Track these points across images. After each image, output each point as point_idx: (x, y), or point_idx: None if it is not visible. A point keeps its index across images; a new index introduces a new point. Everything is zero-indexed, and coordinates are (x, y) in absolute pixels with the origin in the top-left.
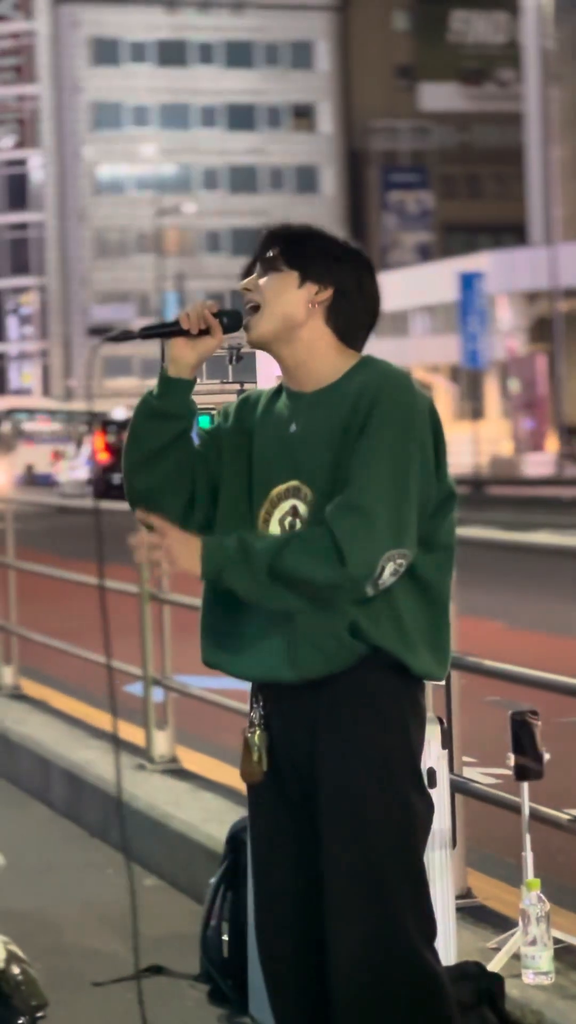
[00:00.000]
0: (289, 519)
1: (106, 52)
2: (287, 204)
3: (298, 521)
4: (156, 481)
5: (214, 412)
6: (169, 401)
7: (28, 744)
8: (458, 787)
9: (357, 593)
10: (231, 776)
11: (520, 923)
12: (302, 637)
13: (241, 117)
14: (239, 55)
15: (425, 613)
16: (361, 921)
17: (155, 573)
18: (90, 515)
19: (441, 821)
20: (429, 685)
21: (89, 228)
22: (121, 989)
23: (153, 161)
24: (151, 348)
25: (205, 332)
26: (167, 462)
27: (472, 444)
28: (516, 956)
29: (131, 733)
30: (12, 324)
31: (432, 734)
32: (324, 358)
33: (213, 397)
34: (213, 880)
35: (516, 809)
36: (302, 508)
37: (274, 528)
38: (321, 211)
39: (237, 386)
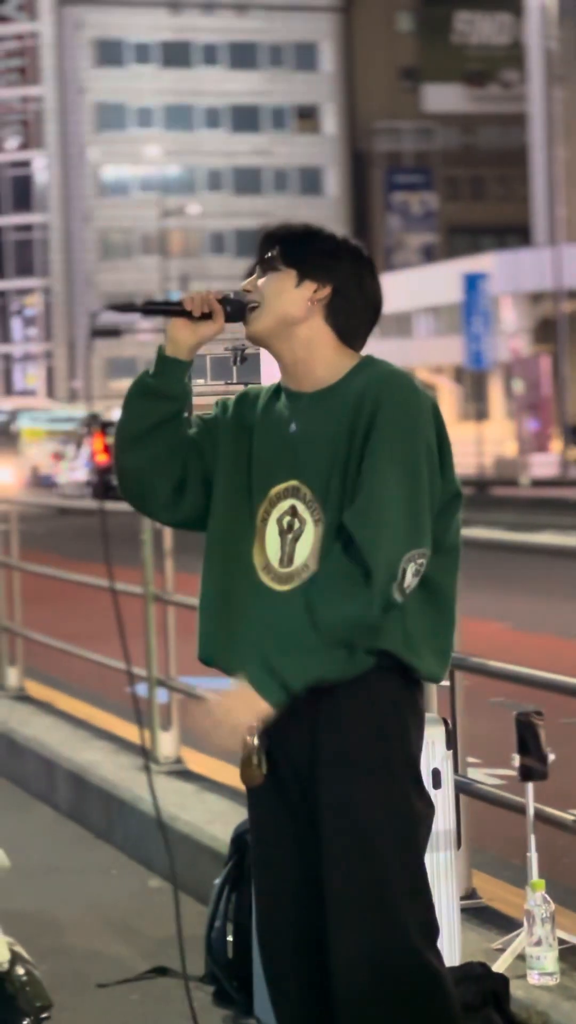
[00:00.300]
0: (287, 518)
1: (110, 53)
2: (291, 205)
3: (296, 521)
4: (145, 461)
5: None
6: (163, 381)
7: (33, 746)
8: (463, 788)
9: (387, 600)
10: (236, 777)
11: (525, 924)
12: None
13: (245, 118)
14: (243, 56)
15: (430, 615)
16: (362, 923)
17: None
18: (92, 516)
19: (446, 822)
20: (432, 686)
21: (93, 229)
22: (125, 990)
23: (157, 162)
24: (154, 351)
25: (207, 317)
26: (157, 443)
27: (476, 445)
28: (521, 957)
29: (136, 734)
30: (16, 325)
31: (437, 735)
32: (323, 356)
33: (217, 398)
34: (218, 881)
35: (521, 810)
36: (301, 508)
37: (272, 527)
38: (325, 212)
39: (241, 387)
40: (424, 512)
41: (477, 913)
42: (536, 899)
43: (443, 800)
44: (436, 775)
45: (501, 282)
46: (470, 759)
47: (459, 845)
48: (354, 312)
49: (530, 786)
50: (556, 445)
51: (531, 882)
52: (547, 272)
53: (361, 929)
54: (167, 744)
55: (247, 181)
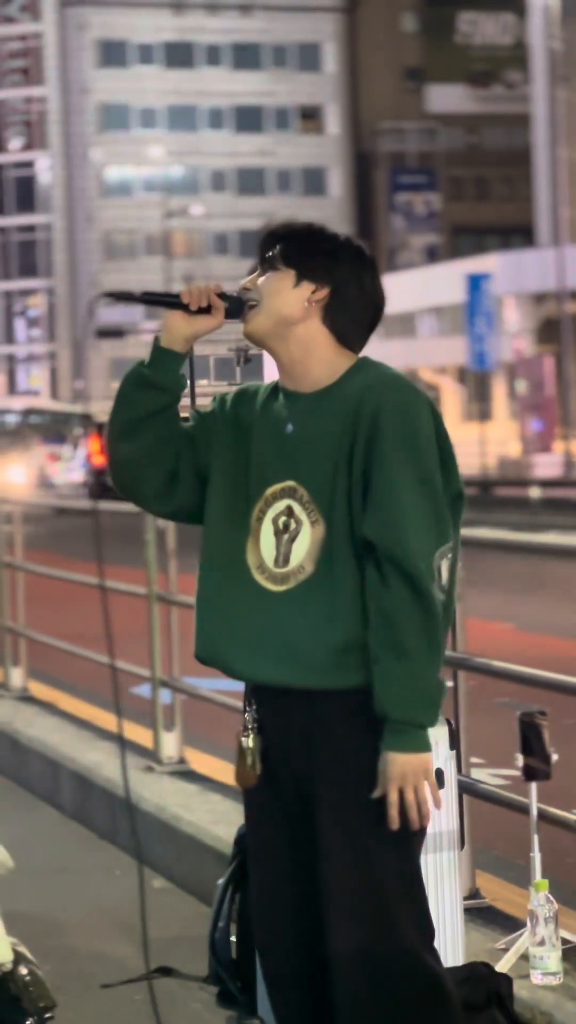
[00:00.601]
0: (283, 519)
1: (113, 54)
2: (295, 206)
3: (292, 521)
4: (136, 451)
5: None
6: (158, 371)
7: (37, 746)
8: (466, 788)
9: (436, 600)
10: None
11: (528, 924)
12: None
13: (249, 119)
14: (246, 57)
15: None
16: (359, 924)
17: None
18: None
19: (449, 822)
20: None
21: (97, 230)
22: (129, 991)
23: (161, 163)
24: None
25: (205, 311)
26: (149, 433)
27: (480, 446)
28: (524, 957)
29: (139, 735)
30: (20, 326)
31: (440, 735)
32: (320, 357)
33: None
34: (221, 881)
35: (524, 810)
36: (297, 508)
37: (267, 526)
38: (329, 213)
39: None
40: (442, 507)
41: (480, 913)
42: (539, 899)
43: (447, 800)
44: (439, 775)
45: (505, 282)
46: (474, 759)
47: (462, 845)
48: (353, 314)
49: (533, 786)
50: (560, 445)
51: (534, 882)
52: (550, 272)
53: (357, 931)
54: (170, 745)
55: (251, 182)
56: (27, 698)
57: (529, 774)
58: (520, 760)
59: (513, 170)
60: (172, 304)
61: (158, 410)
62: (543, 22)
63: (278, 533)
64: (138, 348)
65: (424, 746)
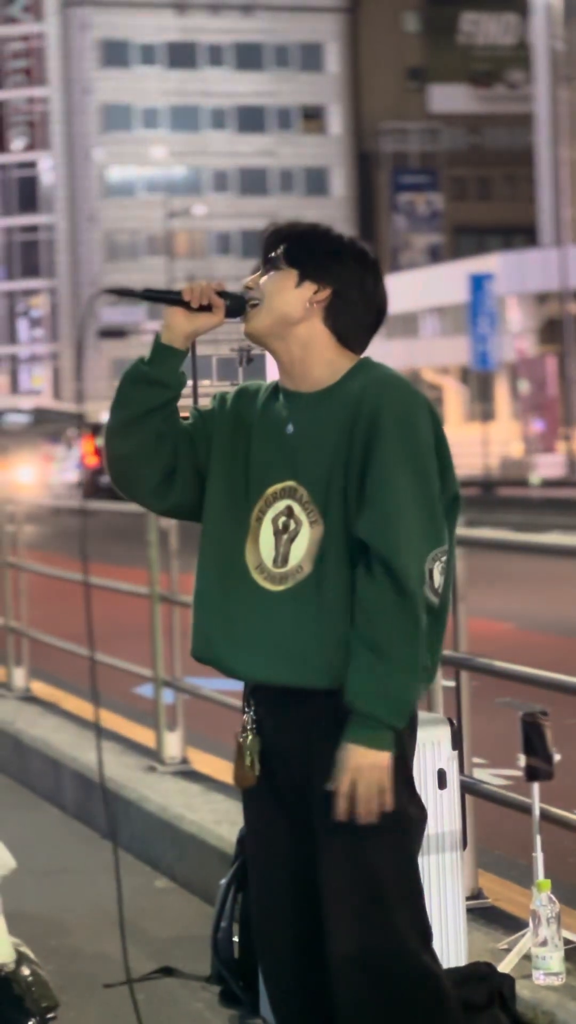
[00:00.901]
0: (283, 519)
1: (116, 54)
2: (297, 206)
3: (292, 522)
4: (133, 447)
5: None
6: (157, 368)
7: (39, 746)
8: (469, 788)
9: (424, 604)
10: None
11: (531, 924)
12: (316, 647)
13: (251, 119)
14: (249, 57)
15: (427, 620)
16: (357, 925)
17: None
18: (91, 516)
19: (452, 822)
20: (439, 686)
21: (99, 231)
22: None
23: (163, 163)
24: None
25: (206, 309)
26: (148, 430)
27: (482, 446)
28: (527, 957)
29: (142, 735)
30: (22, 326)
31: (442, 735)
32: (320, 358)
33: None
34: (224, 881)
35: (526, 810)
36: (297, 508)
37: (267, 526)
38: (331, 213)
39: None
40: (437, 510)
41: (483, 913)
42: (542, 899)
43: (449, 800)
44: (442, 775)
45: (507, 282)
46: (476, 759)
47: (465, 845)
48: (354, 315)
49: (536, 786)
50: (562, 446)
51: (537, 882)
52: (553, 272)
53: (356, 932)
54: (173, 744)
55: (253, 182)
56: (29, 698)
57: (531, 774)
58: (522, 760)
59: (515, 170)
60: (173, 301)
61: (157, 407)
62: (545, 22)
63: (278, 533)
64: (141, 348)
65: (384, 746)
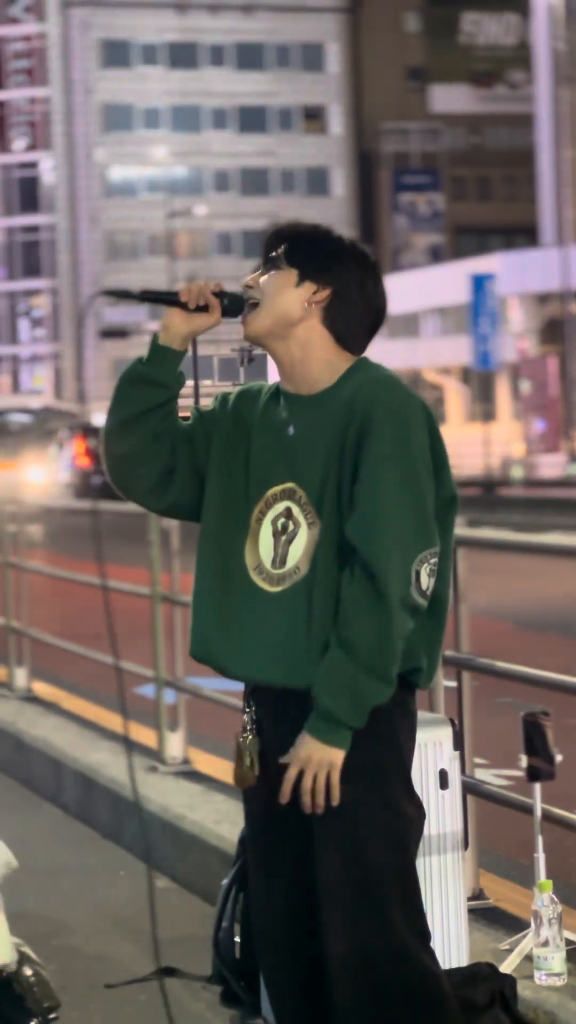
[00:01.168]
0: (282, 520)
1: (117, 54)
2: (298, 206)
3: (291, 523)
4: (131, 447)
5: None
6: (155, 368)
7: (40, 746)
8: (470, 788)
9: (409, 606)
10: None
11: (532, 924)
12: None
13: (252, 119)
14: (250, 57)
15: (426, 621)
16: (354, 925)
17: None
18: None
19: (453, 823)
20: (439, 686)
21: (100, 230)
22: (134, 991)
23: (164, 163)
24: None
25: (203, 309)
26: (146, 429)
27: (483, 446)
28: (528, 957)
29: (143, 735)
30: (24, 326)
31: (444, 735)
32: (319, 359)
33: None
34: (225, 882)
35: (528, 810)
36: (296, 510)
37: (266, 528)
38: (332, 213)
39: None
40: (428, 511)
41: (485, 913)
42: (543, 900)
43: (450, 800)
44: (443, 776)
45: (508, 283)
46: (477, 759)
47: (466, 846)
48: (353, 316)
49: (537, 786)
50: (564, 445)
51: (538, 883)
52: (554, 273)
53: (353, 932)
54: (174, 745)
55: (254, 182)
56: (31, 698)
57: (533, 775)
58: (524, 760)
59: (516, 170)
60: (170, 302)
61: (155, 406)
62: (547, 22)
63: (277, 534)
64: (141, 349)
65: (338, 743)
